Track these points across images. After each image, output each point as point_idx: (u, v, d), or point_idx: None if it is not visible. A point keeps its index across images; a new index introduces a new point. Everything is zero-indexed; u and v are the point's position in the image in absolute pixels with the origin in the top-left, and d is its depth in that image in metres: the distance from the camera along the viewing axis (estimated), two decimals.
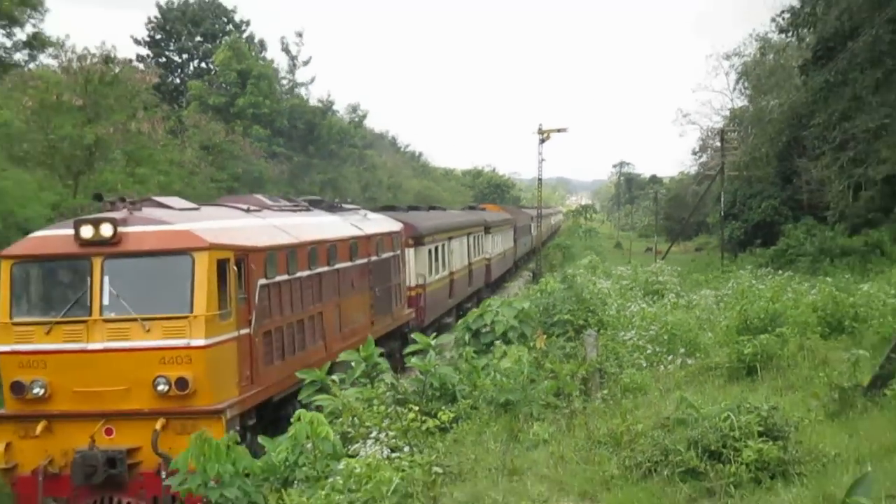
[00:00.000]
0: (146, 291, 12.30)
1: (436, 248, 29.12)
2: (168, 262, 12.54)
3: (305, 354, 15.99)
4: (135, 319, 11.97)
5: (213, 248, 12.54)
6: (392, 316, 22.51)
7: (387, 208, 31.91)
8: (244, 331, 13.35)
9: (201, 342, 11.99)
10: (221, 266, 12.76)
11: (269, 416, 14.88)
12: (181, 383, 11.75)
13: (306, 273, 16.36)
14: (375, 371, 12.99)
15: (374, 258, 20.96)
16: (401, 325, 23.77)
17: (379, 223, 22.85)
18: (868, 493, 3.24)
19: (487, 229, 41.90)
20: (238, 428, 12.36)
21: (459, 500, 7.99)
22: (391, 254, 22.80)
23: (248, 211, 16.39)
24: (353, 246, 19.53)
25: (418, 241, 26.41)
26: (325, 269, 17.42)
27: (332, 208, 21.37)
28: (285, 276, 15.26)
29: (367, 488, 7.71)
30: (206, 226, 13.32)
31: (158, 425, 11.51)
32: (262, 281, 14.18)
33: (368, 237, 20.76)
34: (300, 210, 19.58)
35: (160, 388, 11.74)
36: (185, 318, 12.06)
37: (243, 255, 13.61)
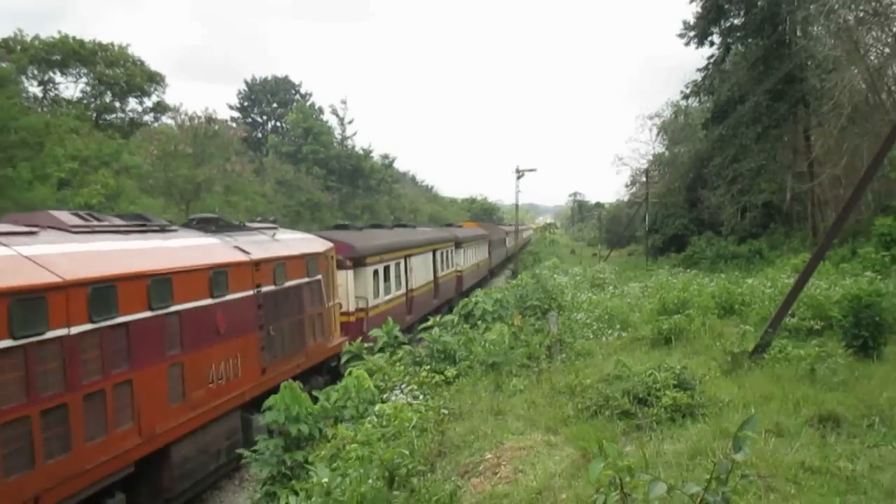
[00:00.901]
0: None
1: (385, 268, 20.49)
2: None
3: (74, 455, 7.53)
4: None
5: None
6: (306, 353, 13.84)
7: (340, 227, 23.56)
8: None
9: None
10: None
11: None
12: None
13: (81, 329, 7.74)
14: (396, 342, 12.97)
15: (267, 288, 12.25)
16: (326, 359, 15.18)
17: (288, 245, 14.17)
18: (753, 429, 3.22)
19: (459, 244, 33.14)
20: None
21: (460, 433, 7.96)
22: (306, 280, 14.03)
23: None
24: (219, 277, 10.70)
25: (358, 261, 18.37)
26: (144, 315, 8.90)
27: (227, 228, 12.85)
28: (7, 342, 6.81)
29: (394, 424, 7.72)
30: None
31: None
32: None
33: (257, 263, 11.97)
34: (142, 231, 10.34)
35: None
36: None
37: None
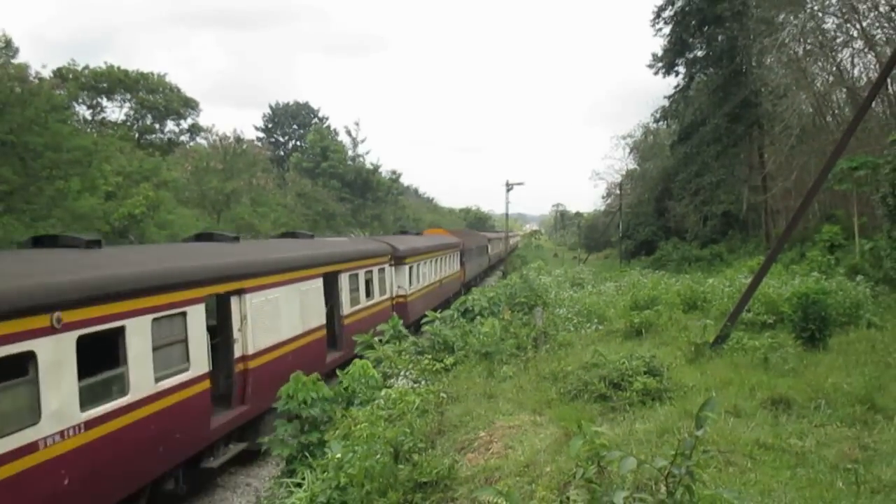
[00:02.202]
0: None
1: (114, 334, 7.37)
2: None
3: None
4: None
5: None
6: None
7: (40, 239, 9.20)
8: None
9: None
10: None
11: None
12: None
13: None
14: (401, 333, 12.88)
15: None
16: None
17: None
18: (713, 410, 3.21)
19: (401, 259, 21.14)
20: None
21: (457, 414, 7.91)
22: None
23: None
24: None
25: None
26: None
27: None
28: None
29: (399, 406, 7.67)
30: None
31: None
32: None
33: None
34: None
35: None
36: None
37: None
